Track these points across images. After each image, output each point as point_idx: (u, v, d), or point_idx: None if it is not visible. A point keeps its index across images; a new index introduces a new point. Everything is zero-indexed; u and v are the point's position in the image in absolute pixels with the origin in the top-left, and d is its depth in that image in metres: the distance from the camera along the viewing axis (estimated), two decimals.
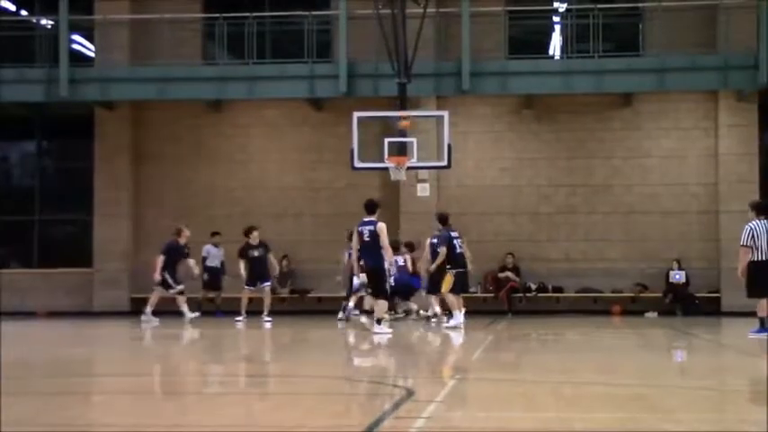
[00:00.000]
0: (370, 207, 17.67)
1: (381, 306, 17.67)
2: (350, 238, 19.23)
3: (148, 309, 21.71)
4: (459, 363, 13.68)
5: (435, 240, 19.83)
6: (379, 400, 9.27)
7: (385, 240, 17.31)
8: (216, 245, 24.38)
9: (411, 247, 22.25)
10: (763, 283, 16.08)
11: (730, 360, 14.19)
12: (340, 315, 21.52)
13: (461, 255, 19.49)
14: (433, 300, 20.52)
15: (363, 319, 18.53)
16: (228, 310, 23.10)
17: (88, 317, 24.78)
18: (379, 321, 17.40)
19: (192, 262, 22.76)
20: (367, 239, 17.36)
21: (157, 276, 21.77)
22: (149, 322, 21.25)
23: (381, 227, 17.36)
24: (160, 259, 21.81)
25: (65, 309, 25.54)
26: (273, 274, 22.93)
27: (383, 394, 9.63)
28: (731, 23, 23.65)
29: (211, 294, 24.52)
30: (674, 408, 8.56)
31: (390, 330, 17.54)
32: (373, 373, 12.34)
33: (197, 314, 21.38)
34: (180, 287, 21.98)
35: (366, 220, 17.55)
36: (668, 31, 23.76)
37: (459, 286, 19.42)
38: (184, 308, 21.94)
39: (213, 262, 24.23)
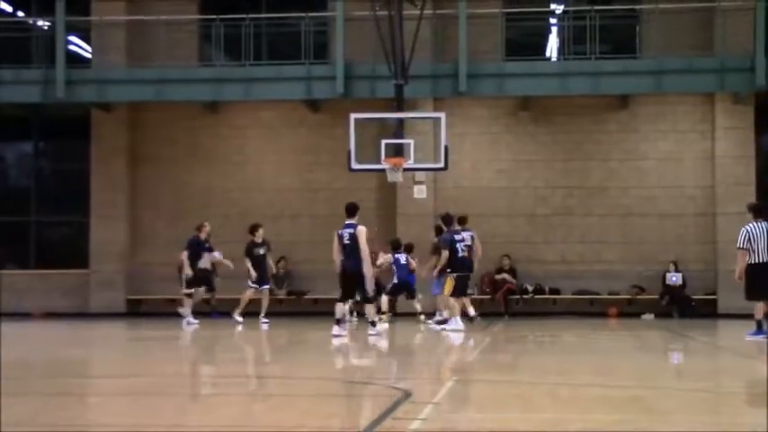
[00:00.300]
0: (351, 210, 17.34)
1: (371, 309, 17.60)
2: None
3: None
4: (456, 364, 13.69)
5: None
6: (376, 401, 9.28)
7: (364, 244, 17.02)
8: None
9: (410, 249, 22.19)
10: (762, 286, 16.09)
11: (727, 362, 14.22)
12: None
13: (463, 258, 19.45)
14: (440, 301, 20.45)
15: (335, 330, 16.99)
16: (224, 310, 23.04)
17: (85, 318, 24.78)
18: (373, 324, 17.35)
19: (219, 256, 22.70)
20: (347, 242, 17.04)
21: (188, 272, 21.61)
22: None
23: (361, 230, 17.05)
24: (184, 255, 21.66)
25: (61, 310, 25.53)
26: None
27: (381, 395, 9.63)
28: (728, 26, 23.67)
29: (206, 296, 24.45)
30: (671, 410, 8.59)
31: (387, 332, 17.53)
32: (371, 374, 12.34)
33: (196, 323, 21.19)
34: (189, 290, 21.86)
35: (347, 223, 17.25)
36: (665, 33, 23.79)
37: (460, 289, 19.43)
38: (187, 311, 21.72)
39: (205, 263, 24.13)
